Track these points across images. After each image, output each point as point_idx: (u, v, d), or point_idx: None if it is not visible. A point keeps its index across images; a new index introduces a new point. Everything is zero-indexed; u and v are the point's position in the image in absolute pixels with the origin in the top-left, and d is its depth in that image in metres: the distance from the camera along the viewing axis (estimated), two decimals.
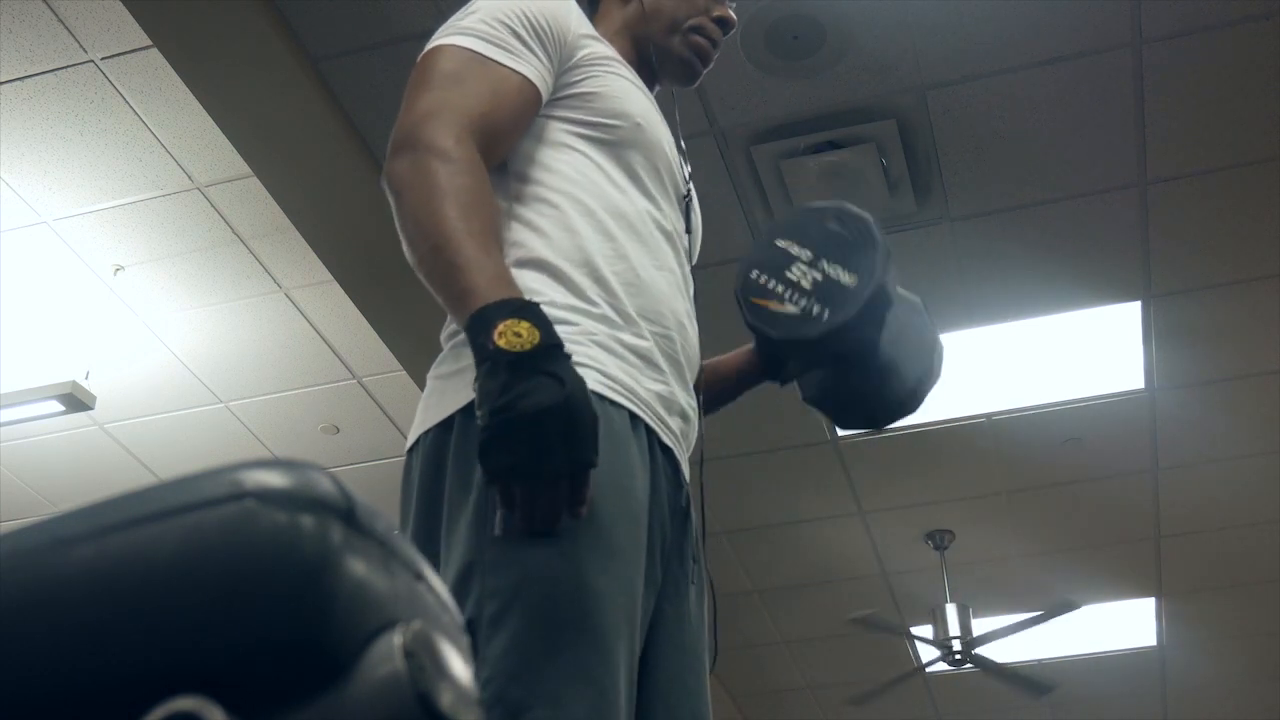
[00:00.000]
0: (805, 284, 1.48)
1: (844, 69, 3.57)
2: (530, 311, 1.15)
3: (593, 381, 1.24)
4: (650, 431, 1.32)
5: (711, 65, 1.65)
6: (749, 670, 6.73)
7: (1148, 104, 3.68)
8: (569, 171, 1.40)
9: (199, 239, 4.12)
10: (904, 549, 5.86)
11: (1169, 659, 6.79)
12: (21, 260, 4.18)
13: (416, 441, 1.31)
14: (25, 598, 0.52)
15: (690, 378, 1.42)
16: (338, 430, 5.07)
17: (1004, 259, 4.24)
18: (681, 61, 1.61)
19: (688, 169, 1.57)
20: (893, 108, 3.69)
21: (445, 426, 1.27)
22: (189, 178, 3.89)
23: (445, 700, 0.53)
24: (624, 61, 1.52)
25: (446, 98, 1.32)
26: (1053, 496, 5.50)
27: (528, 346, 1.12)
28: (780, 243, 1.52)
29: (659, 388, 1.35)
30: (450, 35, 1.40)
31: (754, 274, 1.53)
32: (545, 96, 1.41)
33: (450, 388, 1.29)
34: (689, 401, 1.41)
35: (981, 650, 5.80)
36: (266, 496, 0.53)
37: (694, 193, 1.59)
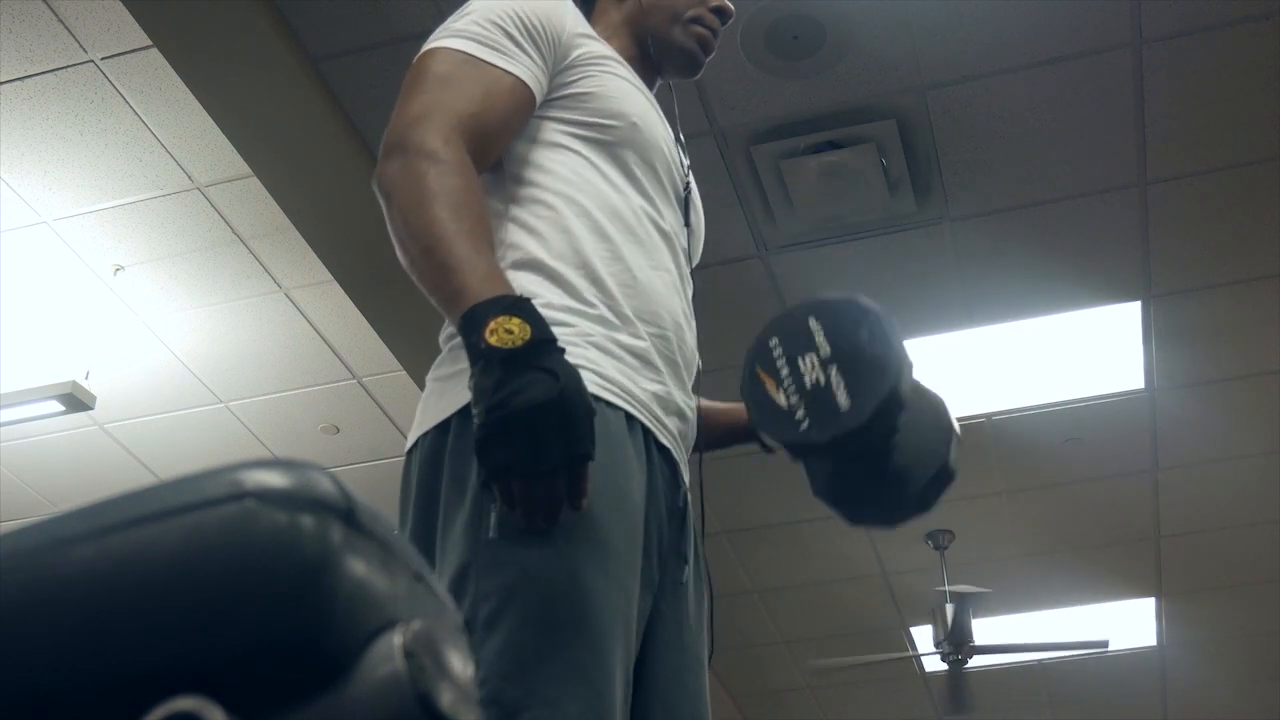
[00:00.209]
0: (807, 382, 1.42)
1: (844, 69, 3.57)
2: (521, 308, 1.16)
3: (588, 382, 1.24)
4: (647, 432, 1.32)
5: (712, 55, 1.64)
6: (749, 670, 6.73)
7: (1148, 104, 3.68)
8: (565, 172, 1.40)
9: (199, 239, 4.12)
10: (904, 549, 5.86)
11: (1169, 659, 6.79)
12: (21, 260, 4.18)
13: (415, 443, 1.32)
14: (25, 598, 0.52)
15: (688, 378, 1.42)
16: (338, 430, 5.07)
17: (1004, 259, 4.24)
18: (684, 52, 1.60)
19: (688, 165, 1.57)
20: (893, 108, 3.69)
21: (442, 429, 1.28)
22: (189, 178, 3.89)
23: (445, 700, 0.53)
24: (621, 60, 1.51)
25: (437, 100, 1.32)
26: (1053, 496, 5.50)
27: (519, 343, 1.12)
28: (813, 323, 1.45)
29: (656, 388, 1.35)
30: (443, 38, 1.40)
31: (773, 343, 1.46)
32: (540, 97, 1.41)
33: (448, 389, 1.30)
34: (686, 401, 1.41)
35: (985, 645, 5.80)
36: (266, 496, 0.53)
37: (695, 190, 1.58)
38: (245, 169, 3.74)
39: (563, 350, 1.15)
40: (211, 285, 4.32)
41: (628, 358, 1.32)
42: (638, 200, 1.42)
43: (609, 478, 1.21)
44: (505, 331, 1.12)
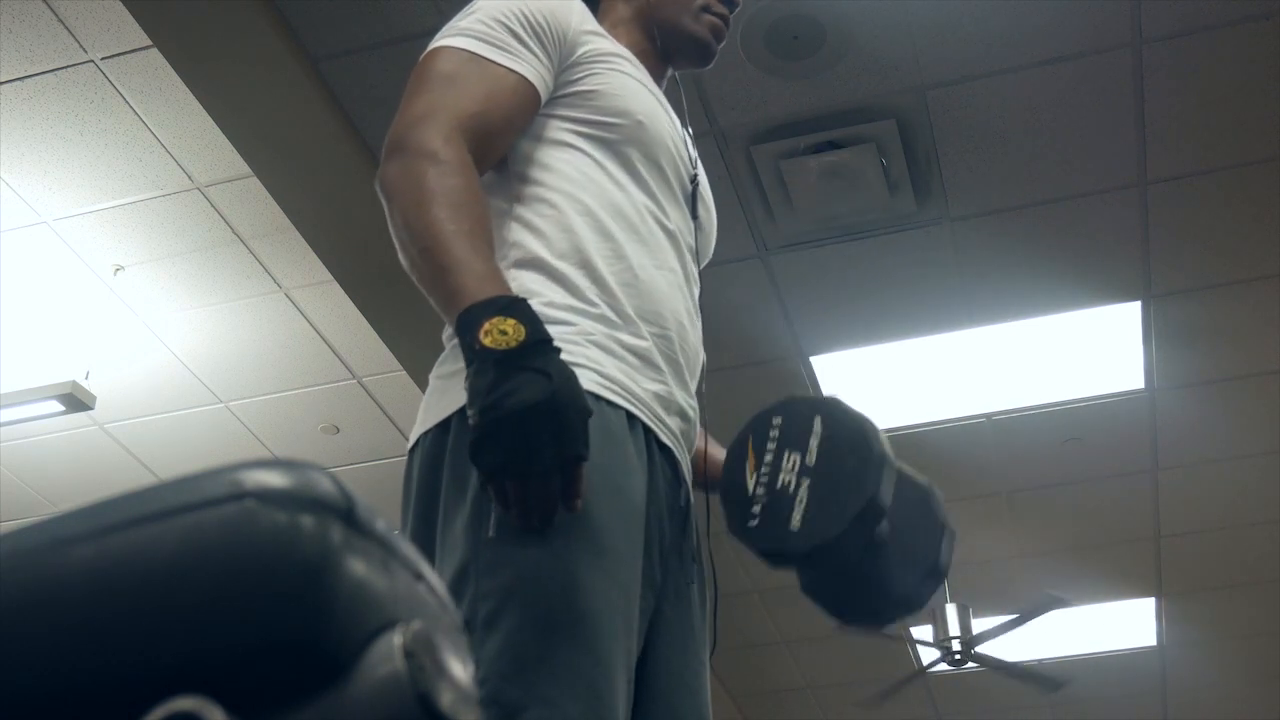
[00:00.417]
0: (777, 481, 1.38)
1: (844, 69, 3.57)
2: (516, 308, 1.16)
3: (589, 381, 1.24)
4: (648, 431, 1.32)
5: (724, 43, 1.63)
6: (749, 670, 6.73)
7: (1148, 104, 3.68)
8: (569, 171, 1.39)
9: (199, 239, 4.12)
10: None
11: (1169, 659, 6.79)
12: (21, 260, 4.18)
13: (416, 442, 1.32)
14: (25, 598, 0.52)
15: (690, 377, 1.42)
16: (338, 430, 5.07)
17: (1004, 259, 4.24)
18: (697, 41, 1.59)
19: (696, 158, 1.55)
20: (893, 108, 3.69)
21: (443, 427, 1.28)
22: (189, 178, 3.89)
23: (445, 700, 0.53)
24: (628, 56, 1.51)
25: (439, 99, 1.32)
26: (1053, 496, 5.50)
27: (513, 344, 1.12)
28: (817, 424, 1.40)
29: (657, 387, 1.34)
30: (448, 37, 1.40)
31: (776, 421, 1.43)
32: (545, 95, 1.41)
33: (450, 388, 1.30)
34: (688, 401, 1.40)
35: (984, 650, 5.80)
36: (266, 496, 0.53)
37: (704, 184, 1.57)
38: (245, 169, 3.74)
39: (558, 351, 1.15)
40: (211, 285, 4.32)
41: (629, 357, 1.32)
42: (642, 199, 1.42)
43: (609, 477, 1.21)
44: (500, 332, 1.13)
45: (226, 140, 3.60)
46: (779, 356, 4.66)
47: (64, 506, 0.59)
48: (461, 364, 1.28)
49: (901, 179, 3.89)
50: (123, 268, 4.22)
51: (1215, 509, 5.57)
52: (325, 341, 4.60)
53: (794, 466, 1.38)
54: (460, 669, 0.56)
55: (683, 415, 1.39)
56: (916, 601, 1.45)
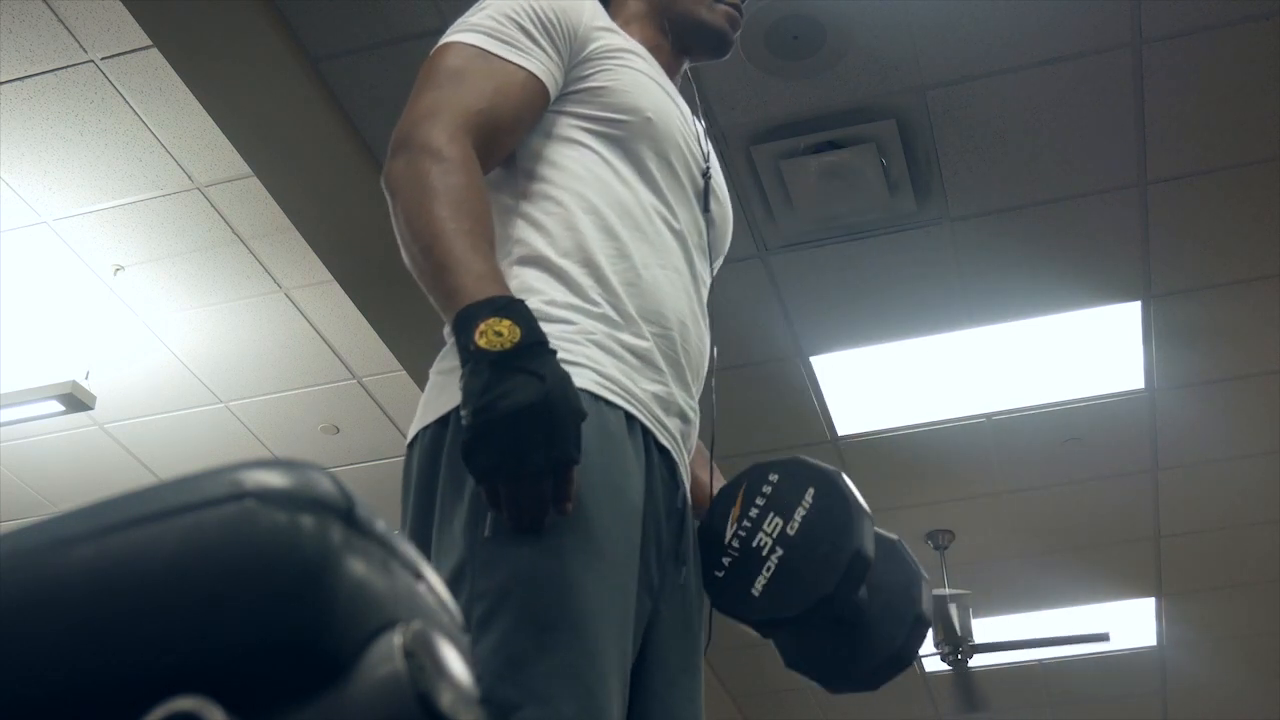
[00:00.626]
0: (755, 539, 1.37)
1: (844, 69, 3.57)
2: (513, 309, 1.16)
3: (589, 381, 1.24)
4: (647, 432, 1.31)
5: (739, 31, 1.63)
6: (749, 670, 6.73)
7: (1148, 104, 3.68)
8: (576, 168, 1.39)
9: (199, 239, 4.12)
10: None
11: (1169, 659, 6.78)
12: (21, 260, 4.18)
13: (415, 437, 1.31)
14: (25, 598, 0.52)
15: (692, 378, 1.41)
16: (338, 430, 5.07)
17: (1004, 259, 4.24)
18: (714, 31, 1.59)
19: (709, 153, 1.54)
20: (893, 108, 3.69)
21: (442, 423, 1.28)
22: (189, 178, 3.89)
23: (445, 700, 0.53)
24: (640, 52, 1.50)
25: (445, 96, 1.32)
26: (1053, 496, 5.50)
27: (508, 345, 1.12)
28: (808, 495, 1.38)
29: (657, 388, 1.34)
30: (458, 33, 1.40)
31: (772, 478, 1.41)
32: (554, 92, 1.40)
33: (449, 384, 1.29)
34: (688, 402, 1.40)
35: (981, 652, 5.80)
36: (266, 496, 0.53)
37: (718, 179, 1.56)
38: (245, 169, 3.74)
39: (554, 353, 1.15)
40: (211, 285, 4.32)
41: (629, 357, 1.32)
42: (649, 198, 1.41)
43: (607, 478, 1.21)
44: (494, 333, 1.12)
45: (226, 140, 3.60)
46: (779, 356, 4.66)
47: (64, 506, 0.59)
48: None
49: (901, 179, 3.89)
50: (123, 268, 4.22)
51: (1215, 509, 5.57)
52: (325, 341, 4.60)
53: (774, 531, 1.38)
54: (460, 669, 0.56)
55: (682, 416, 1.39)
56: (906, 657, 1.44)
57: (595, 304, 1.32)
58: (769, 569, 1.36)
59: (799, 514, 1.37)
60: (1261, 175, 3.90)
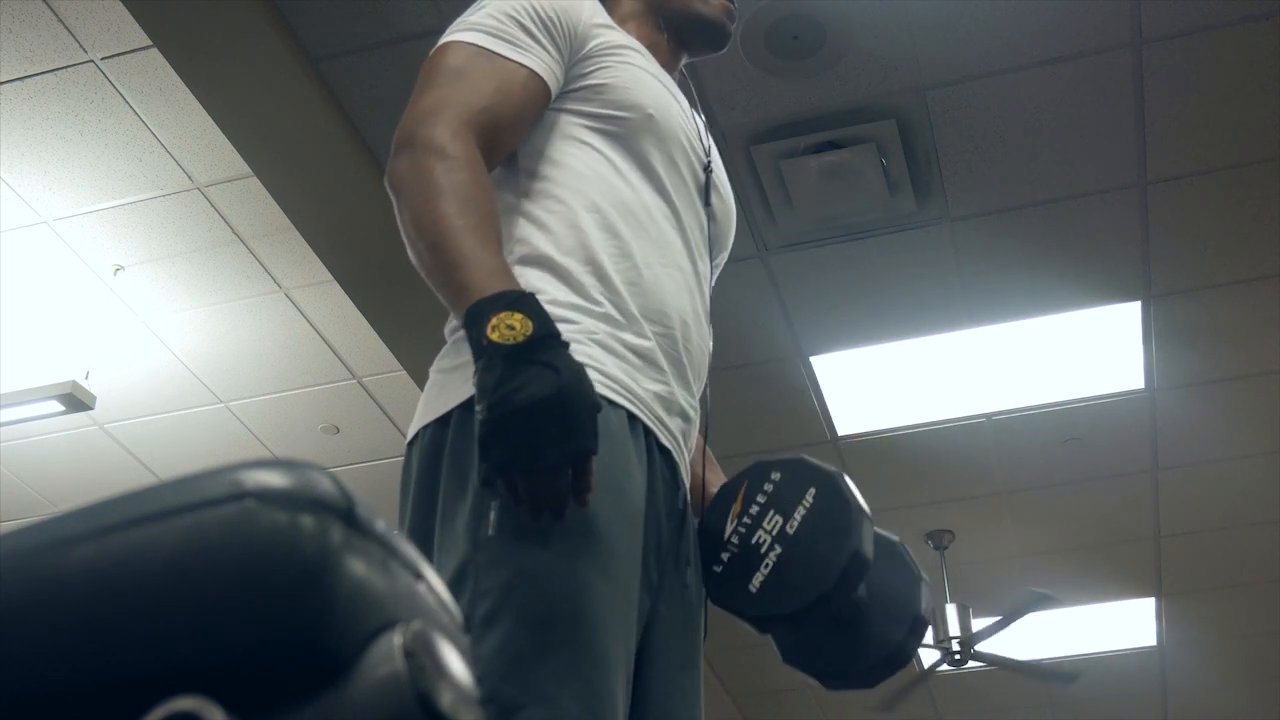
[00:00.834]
0: (753, 537, 1.38)
1: (844, 69, 3.57)
2: (524, 303, 1.15)
3: (591, 380, 1.24)
4: (648, 432, 1.31)
5: (735, 24, 1.63)
6: (749, 670, 6.73)
7: (1148, 104, 3.68)
8: (577, 166, 1.39)
9: (199, 239, 4.12)
10: None
11: (1169, 659, 6.79)
12: (21, 260, 4.18)
13: (415, 436, 1.31)
14: (25, 598, 0.52)
15: (694, 377, 1.41)
16: (338, 430, 5.07)
17: (1004, 259, 4.24)
18: (711, 24, 1.60)
19: (711, 148, 1.55)
20: (893, 108, 3.69)
21: (443, 422, 1.27)
22: (189, 178, 3.89)
23: (445, 700, 0.53)
24: (639, 48, 1.50)
25: (448, 94, 1.32)
26: (1053, 496, 5.50)
27: (520, 339, 1.12)
28: (809, 496, 1.39)
29: (658, 388, 1.34)
30: (458, 31, 1.40)
31: (774, 476, 1.42)
32: (555, 90, 1.41)
33: (450, 382, 1.30)
34: (689, 401, 1.40)
35: (986, 650, 5.80)
36: (266, 496, 0.53)
37: (719, 174, 1.56)
38: (245, 169, 3.74)
39: (566, 345, 1.15)
40: (211, 285, 4.32)
41: (631, 356, 1.32)
42: (651, 195, 1.41)
43: (610, 477, 1.21)
44: (507, 327, 1.12)
45: (226, 140, 3.60)
46: (779, 356, 4.66)
47: (64, 506, 0.59)
48: (463, 358, 1.28)
49: (901, 179, 3.89)
50: (123, 268, 4.22)
51: (1215, 509, 5.57)
52: (325, 341, 4.60)
53: (774, 529, 1.38)
54: (460, 669, 0.56)
55: (684, 416, 1.39)
56: (903, 657, 1.45)
57: (597, 303, 1.32)
58: (767, 566, 1.36)
59: (799, 513, 1.38)
60: (1261, 175, 3.90)
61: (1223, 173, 3.90)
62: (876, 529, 1.42)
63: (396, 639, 0.53)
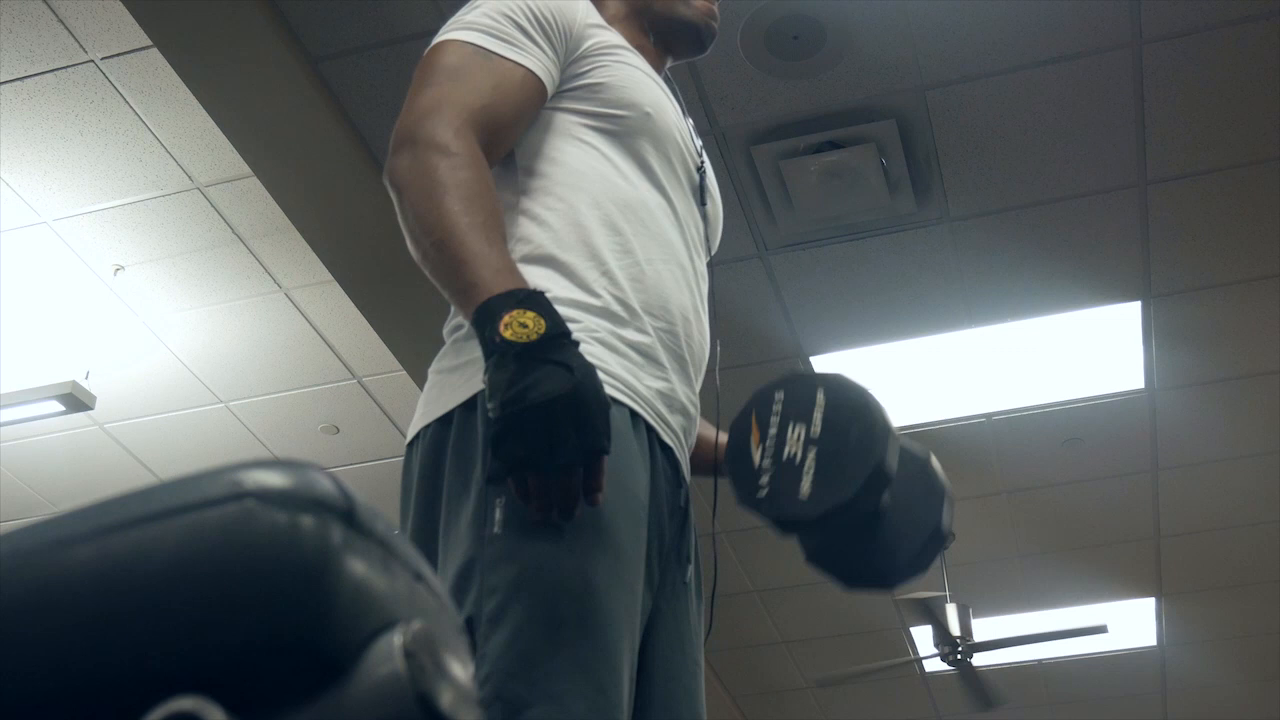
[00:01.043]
0: (785, 452, 1.40)
1: (844, 69, 3.57)
2: (536, 301, 1.15)
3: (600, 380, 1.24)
4: (650, 430, 1.32)
5: (717, 24, 1.64)
6: (749, 670, 6.73)
7: (1148, 104, 3.68)
8: (576, 164, 1.39)
9: (199, 239, 4.12)
10: None
11: (1169, 659, 6.79)
12: (21, 260, 4.18)
13: (416, 436, 1.31)
14: (26, 598, 0.52)
15: (694, 373, 1.42)
16: (338, 430, 5.07)
17: (1004, 259, 4.24)
18: (693, 27, 1.61)
19: (701, 150, 1.56)
20: (893, 108, 3.69)
21: (445, 422, 1.27)
22: (189, 178, 3.89)
23: (445, 700, 0.53)
24: (632, 49, 1.51)
25: (447, 93, 1.32)
26: (1053, 496, 5.50)
27: (534, 336, 1.12)
28: (820, 396, 1.42)
29: (660, 385, 1.34)
30: (454, 30, 1.40)
31: (778, 396, 1.44)
32: (551, 89, 1.41)
33: (451, 383, 1.30)
34: (690, 397, 1.40)
35: (981, 652, 5.80)
36: (266, 496, 0.53)
37: (710, 176, 1.57)
38: (245, 169, 3.74)
39: (577, 344, 1.15)
40: (211, 285, 4.32)
41: (632, 354, 1.32)
42: (650, 193, 1.42)
43: (615, 475, 1.21)
44: (520, 325, 1.12)
45: (226, 140, 3.60)
46: (779, 356, 4.66)
47: (64, 506, 0.59)
48: (463, 359, 1.29)
49: (901, 179, 3.89)
50: (123, 268, 4.22)
51: (1215, 509, 5.57)
52: (325, 341, 4.60)
53: (799, 438, 1.40)
54: (460, 669, 0.56)
55: (685, 413, 1.39)
56: (921, 565, 1.48)
57: (599, 297, 1.32)
58: (809, 470, 1.39)
59: (817, 415, 1.41)
60: (1261, 175, 3.90)
61: (1223, 173, 3.90)
62: (906, 442, 1.47)
63: (396, 639, 0.53)
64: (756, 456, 1.42)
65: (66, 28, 3.40)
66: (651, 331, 1.34)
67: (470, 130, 1.29)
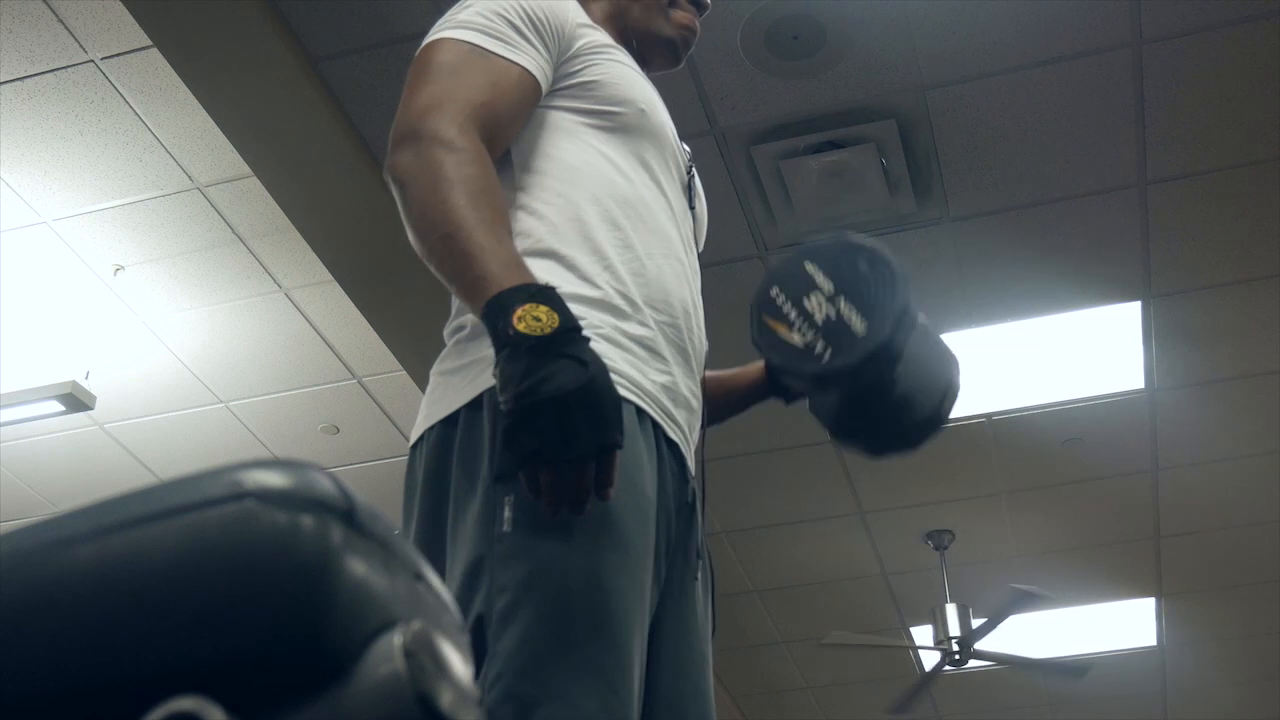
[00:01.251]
0: (818, 318, 1.47)
1: (844, 69, 3.57)
2: (547, 295, 1.15)
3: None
4: (656, 426, 1.31)
5: (691, 50, 1.65)
6: (749, 670, 6.73)
7: (1148, 104, 3.68)
8: (573, 160, 1.40)
9: (199, 239, 4.12)
10: (904, 549, 5.86)
11: (1169, 659, 6.79)
12: (21, 260, 4.18)
13: (421, 437, 1.31)
14: (26, 597, 0.52)
15: (696, 365, 1.42)
16: (338, 430, 5.07)
17: (1004, 259, 4.24)
18: (668, 42, 1.62)
19: (688, 150, 1.57)
20: (893, 108, 3.69)
21: (449, 422, 1.27)
22: (189, 178, 3.89)
23: (445, 700, 0.53)
24: (620, 48, 1.52)
25: (447, 89, 1.32)
26: (1053, 496, 5.50)
27: (547, 330, 1.11)
28: (809, 266, 1.51)
29: (663, 379, 1.34)
30: (447, 29, 1.40)
31: (774, 290, 1.51)
32: (545, 88, 1.41)
33: (454, 384, 1.29)
34: (692, 389, 1.40)
35: (988, 649, 5.80)
36: (266, 496, 0.53)
37: (696, 176, 1.59)
38: (245, 169, 3.74)
39: (589, 340, 1.15)
40: (211, 285, 4.32)
41: (636, 349, 1.32)
42: (648, 189, 1.42)
43: (623, 471, 1.20)
44: (533, 319, 1.12)
45: (226, 140, 3.60)
46: None
47: (64, 506, 0.59)
48: (466, 359, 1.28)
49: (901, 179, 3.89)
50: (123, 268, 4.22)
51: (1215, 509, 5.57)
52: (325, 341, 4.60)
53: (820, 304, 1.48)
54: (460, 669, 0.56)
55: (688, 407, 1.39)
56: (938, 420, 1.56)
57: (600, 290, 1.32)
58: (849, 312, 1.46)
59: (820, 278, 1.49)
60: (1261, 175, 3.90)
61: (1223, 173, 3.90)
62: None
63: (396, 639, 0.53)
64: (796, 339, 1.48)
65: (66, 28, 3.40)
66: (653, 324, 1.35)
67: (473, 126, 1.29)
